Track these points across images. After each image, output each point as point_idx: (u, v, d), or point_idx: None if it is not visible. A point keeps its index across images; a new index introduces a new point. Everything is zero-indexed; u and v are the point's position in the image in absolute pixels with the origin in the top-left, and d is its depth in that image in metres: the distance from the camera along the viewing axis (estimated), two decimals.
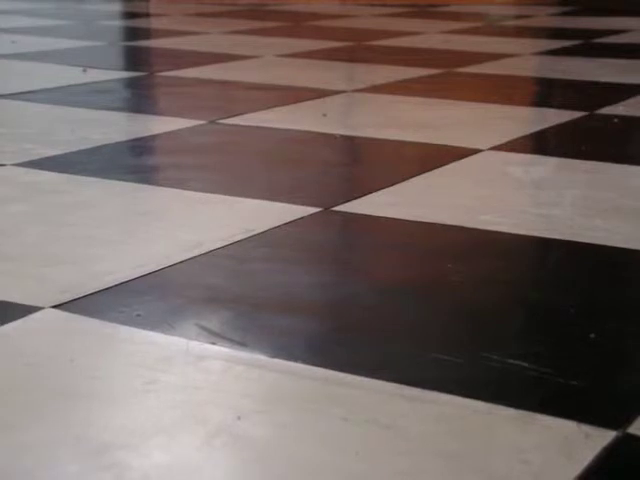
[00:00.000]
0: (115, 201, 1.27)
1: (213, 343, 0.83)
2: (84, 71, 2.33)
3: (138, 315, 0.89)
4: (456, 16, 3.77)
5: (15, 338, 0.84)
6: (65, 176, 1.37)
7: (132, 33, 3.29)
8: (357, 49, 2.83)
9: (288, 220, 1.18)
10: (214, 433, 0.69)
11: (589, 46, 2.92)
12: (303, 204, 1.24)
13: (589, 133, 1.73)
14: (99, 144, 1.57)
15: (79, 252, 1.06)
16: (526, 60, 2.64)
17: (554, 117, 1.83)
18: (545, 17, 3.84)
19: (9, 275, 0.99)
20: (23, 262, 1.03)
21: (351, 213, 1.22)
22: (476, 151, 1.54)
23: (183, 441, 0.68)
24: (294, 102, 1.95)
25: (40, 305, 0.91)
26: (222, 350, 0.82)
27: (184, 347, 0.82)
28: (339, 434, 0.69)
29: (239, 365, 0.79)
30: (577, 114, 1.85)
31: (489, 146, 1.57)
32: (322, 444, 0.68)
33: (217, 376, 0.77)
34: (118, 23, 3.57)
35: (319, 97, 2.02)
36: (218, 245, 1.08)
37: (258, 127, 1.72)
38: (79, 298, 0.93)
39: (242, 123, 1.75)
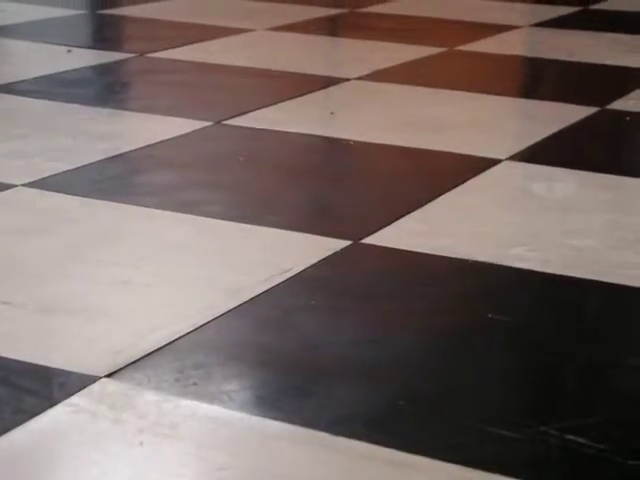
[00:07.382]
0: (138, 232, 1.29)
1: (275, 419, 0.88)
2: (69, 51, 2.33)
3: (195, 384, 0.94)
4: None
5: (75, 415, 0.88)
6: (80, 200, 1.40)
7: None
8: (350, 17, 2.84)
9: (321, 257, 1.22)
10: None
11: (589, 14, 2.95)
12: (331, 235, 1.28)
13: (603, 136, 1.78)
14: (106, 156, 1.58)
15: (118, 302, 1.10)
16: (526, 35, 2.68)
17: (567, 113, 1.87)
18: None
19: (55, 334, 1.03)
20: (64, 316, 1.06)
21: (382, 247, 1.27)
22: (495, 162, 1.58)
23: None
24: (299, 94, 1.98)
25: (94, 374, 0.94)
26: (286, 428, 0.87)
27: (247, 423, 0.87)
28: None
29: (306, 446, 0.84)
30: (589, 110, 1.90)
31: (508, 155, 1.62)
32: None
33: (287, 460, 0.82)
34: None
35: (323, 87, 2.05)
36: (258, 291, 1.13)
37: (268, 131, 1.74)
38: (130, 364, 0.97)
39: (250, 125, 1.77)
